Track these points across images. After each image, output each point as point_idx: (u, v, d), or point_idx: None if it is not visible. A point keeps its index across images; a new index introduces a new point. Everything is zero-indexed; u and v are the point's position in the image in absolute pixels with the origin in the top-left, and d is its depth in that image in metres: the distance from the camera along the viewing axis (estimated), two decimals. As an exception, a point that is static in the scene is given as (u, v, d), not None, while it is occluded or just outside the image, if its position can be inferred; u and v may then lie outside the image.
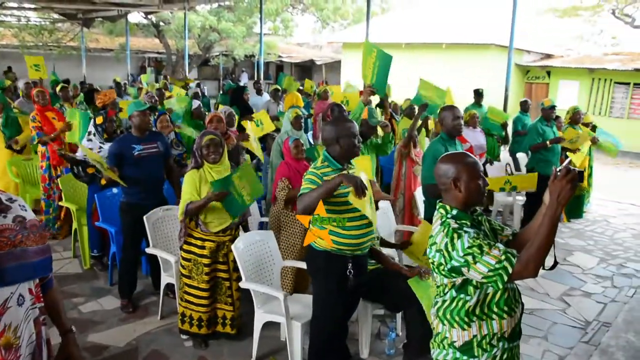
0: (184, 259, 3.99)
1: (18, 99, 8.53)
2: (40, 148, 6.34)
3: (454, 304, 2.22)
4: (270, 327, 4.01)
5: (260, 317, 3.83)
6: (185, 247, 3.97)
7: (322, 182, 3.08)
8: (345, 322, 3.53)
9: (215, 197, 3.70)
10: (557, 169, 2.03)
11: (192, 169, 3.91)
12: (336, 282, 3.20)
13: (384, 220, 4.82)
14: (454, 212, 2.27)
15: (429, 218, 4.38)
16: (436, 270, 2.26)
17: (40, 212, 6.43)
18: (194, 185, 3.82)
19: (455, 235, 2.13)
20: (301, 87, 12.07)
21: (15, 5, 18.05)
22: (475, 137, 7.10)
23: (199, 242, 3.91)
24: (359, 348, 4.03)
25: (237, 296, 4.08)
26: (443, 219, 2.26)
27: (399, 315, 4.33)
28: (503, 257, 2.06)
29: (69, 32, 22.95)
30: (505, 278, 2.06)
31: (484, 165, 7.45)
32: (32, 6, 17.51)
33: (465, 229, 2.15)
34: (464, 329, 2.22)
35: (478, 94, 8.89)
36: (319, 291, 3.36)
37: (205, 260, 3.92)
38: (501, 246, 2.10)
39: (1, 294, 1.75)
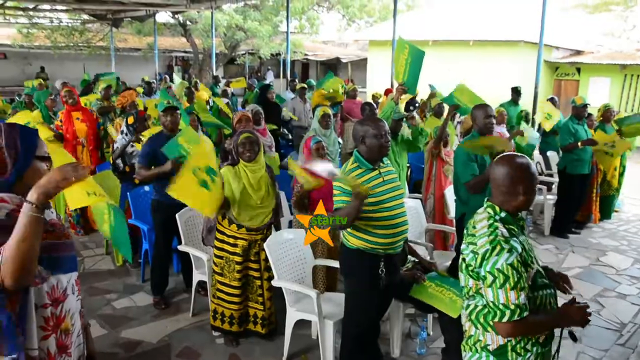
0: (216, 256, 4.02)
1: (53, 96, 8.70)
2: None
3: (487, 308, 2.19)
4: (302, 325, 4.02)
5: (292, 316, 3.84)
6: (217, 244, 4.00)
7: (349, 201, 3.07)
8: (377, 321, 3.53)
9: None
10: (578, 301, 2.19)
11: (228, 165, 3.95)
12: (368, 280, 3.20)
13: (414, 218, 4.80)
14: (503, 214, 2.22)
15: (459, 217, 4.36)
16: (464, 270, 2.24)
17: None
18: (226, 180, 3.85)
19: (498, 249, 2.10)
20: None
21: (48, 7, 18.40)
22: (500, 134, 7.04)
23: (231, 240, 3.94)
24: (390, 347, 4.02)
25: (268, 296, 4.09)
26: (491, 221, 2.21)
27: (430, 315, 4.30)
28: (512, 307, 2.07)
29: (98, 33, 23.30)
30: (496, 320, 2.11)
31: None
32: (64, 8, 17.84)
33: (512, 243, 2.12)
34: (498, 333, 2.19)
35: (516, 92, 8.77)
36: (351, 290, 3.36)
37: (237, 258, 3.94)
38: (523, 297, 2.09)
39: (62, 282, 1.83)
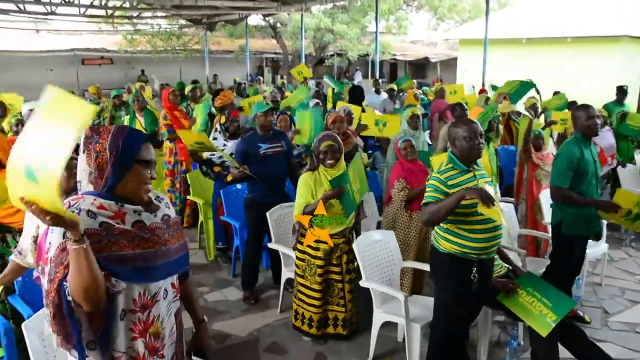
0: (298, 258, 4.09)
1: (154, 98, 9.22)
2: (169, 144, 6.77)
3: None
4: (387, 326, 4.00)
5: (378, 317, 3.84)
6: (299, 247, 4.07)
7: (449, 194, 3.03)
8: (467, 326, 3.45)
9: (336, 192, 3.79)
10: None
11: (308, 170, 4.02)
12: (460, 285, 3.14)
13: (506, 223, 4.63)
14: None
15: (556, 223, 4.17)
16: None
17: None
18: (309, 188, 3.92)
19: None
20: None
21: (150, 14, 19.55)
22: (604, 137, 6.66)
23: (313, 244, 3.98)
24: (477, 355, 3.92)
25: (350, 297, 4.10)
26: None
27: (521, 323, 4.14)
28: None
29: (194, 36, 24.44)
30: None
31: (615, 168, 6.94)
32: (164, 14, 18.88)
33: None
34: None
35: (622, 92, 8.30)
36: (442, 294, 3.30)
37: (319, 262, 3.98)
38: None
39: (150, 289, 1.88)
